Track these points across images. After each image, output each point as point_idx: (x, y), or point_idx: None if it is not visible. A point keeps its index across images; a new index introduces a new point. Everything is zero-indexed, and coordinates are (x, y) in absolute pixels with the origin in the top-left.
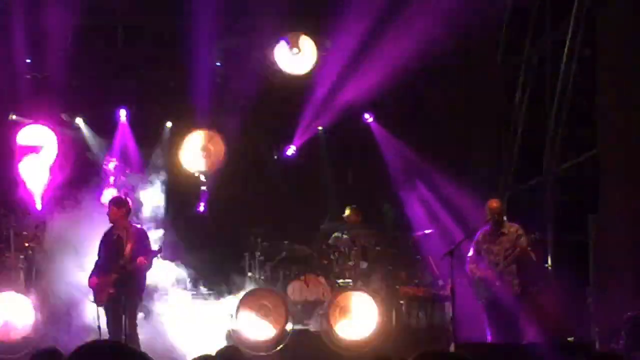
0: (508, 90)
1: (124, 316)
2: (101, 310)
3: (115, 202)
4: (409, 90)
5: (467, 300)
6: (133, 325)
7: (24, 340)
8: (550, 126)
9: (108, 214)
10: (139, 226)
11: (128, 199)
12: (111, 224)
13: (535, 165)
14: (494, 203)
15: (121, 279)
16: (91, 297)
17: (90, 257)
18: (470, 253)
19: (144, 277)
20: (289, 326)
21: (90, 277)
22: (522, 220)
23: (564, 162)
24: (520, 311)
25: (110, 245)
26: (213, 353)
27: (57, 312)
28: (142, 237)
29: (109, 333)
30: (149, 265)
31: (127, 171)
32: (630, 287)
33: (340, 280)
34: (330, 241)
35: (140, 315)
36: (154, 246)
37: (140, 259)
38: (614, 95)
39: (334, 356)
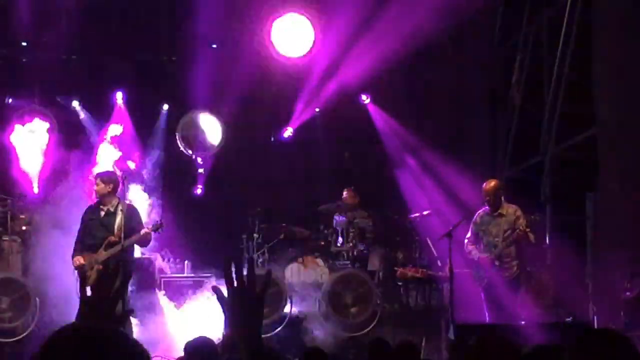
0: (505, 70)
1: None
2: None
3: (103, 177)
4: (405, 72)
5: (465, 281)
6: (125, 306)
7: (22, 325)
8: (547, 106)
9: (95, 190)
10: (128, 202)
11: (118, 173)
12: (97, 200)
13: (533, 145)
14: (490, 184)
15: (111, 257)
16: (76, 277)
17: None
18: (469, 234)
19: (133, 255)
20: (287, 308)
21: (74, 256)
22: (520, 201)
23: (562, 141)
24: (519, 292)
25: (99, 223)
26: (211, 336)
27: (55, 295)
28: (133, 213)
29: None
30: (147, 241)
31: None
32: (629, 267)
33: (338, 262)
34: (328, 223)
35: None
36: (153, 221)
37: (145, 230)
38: (611, 74)
39: (335, 338)
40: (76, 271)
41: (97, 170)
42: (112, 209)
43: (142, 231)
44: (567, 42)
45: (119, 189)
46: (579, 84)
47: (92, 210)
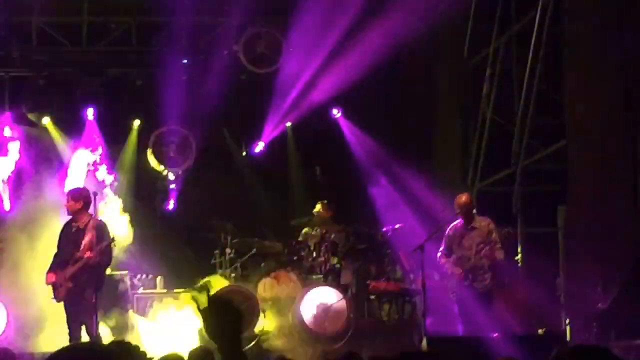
0: (475, 83)
1: (81, 314)
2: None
3: (73, 194)
4: (376, 86)
5: (438, 294)
6: (92, 324)
7: None
8: (517, 118)
9: (66, 207)
10: (99, 219)
11: (88, 191)
12: (70, 217)
13: (504, 157)
14: (462, 198)
15: (79, 273)
16: (51, 294)
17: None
18: (442, 248)
19: (103, 270)
20: (260, 324)
21: (48, 273)
22: (492, 213)
23: (533, 154)
24: (492, 304)
25: (68, 239)
26: (183, 352)
27: (31, 312)
28: (101, 229)
29: (70, 330)
30: (106, 258)
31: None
32: (601, 278)
33: (311, 276)
34: (300, 237)
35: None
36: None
37: (87, 254)
38: (580, 86)
39: (307, 352)
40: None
41: (68, 185)
42: (81, 226)
43: (86, 254)
44: (537, 55)
45: (90, 205)
46: (549, 96)
47: (66, 226)
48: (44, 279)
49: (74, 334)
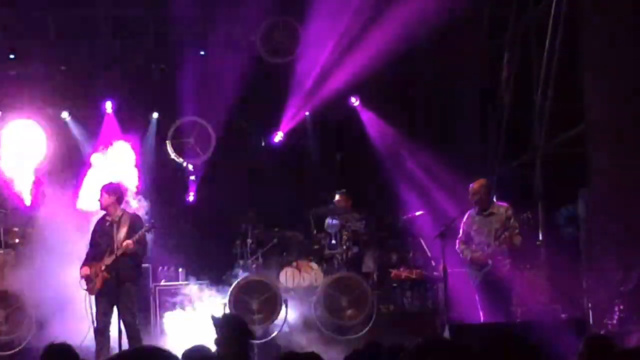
0: (494, 68)
1: (116, 305)
2: (92, 301)
3: (108, 189)
4: (394, 72)
5: (460, 281)
6: (133, 314)
7: (18, 338)
8: (537, 103)
9: (99, 201)
10: (132, 211)
11: (121, 186)
12: (103, 211)
13: (524, 142)
14: (476, 184)
15: (115, 265)
16: (84, 286)
17: (77, 249)
18: (460, 234)
19: (139, 261)
20: (282, 313)
21: (82, 267)
22: (512, 198)
23: (553, 138)
24: (513, 290)
25: (103, 232)
26: (207, 344)
27: (49, 307)
28: (136, 221)
29: (98, 322)
30: (141, 248)
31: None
32: (622, 261)
33: (332, 265)
34: (321, 226)
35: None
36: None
37: (127, 242)
38: (599, 68)
39: (329, 341)
40: (84, 281)
41: (88, 181)
42: (116, 219)
43: (125, 243)
44: (555, 39)
45: (123, 200)
46: (568, 81)
47: (99, 221)
48: (61, 273)
49: (99, 325)
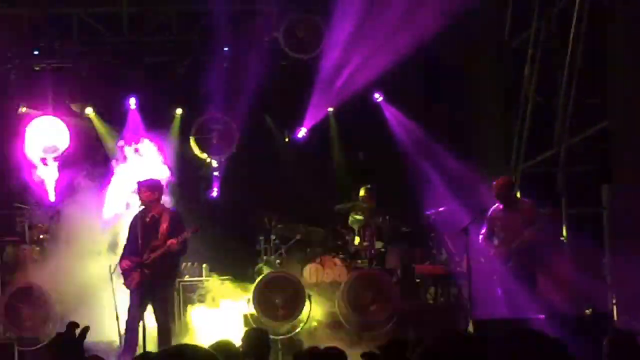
0: (517, 64)
1: (151, 302)
2: (119, 297)
3: (149, 185)
4: (417, 68)
5: (483, 276)
6: (166, 312)
7: (43, 334)
8: (560, 98)
9: (140, 197)
10: (172, 208)
11: (161, 182)
12: (143, 207)
13: (547, 138)
14: (500, 181)
15: (155, 262)
16: (121, 280)
17: (102, 245)
18: (483, 230)
19: (178, 260)
20: (306, 309)
21: (121, 260)
22: (535, 195)
23: (576, 134)
24: (536, 285)
25: (144, 228)
26: (231, 338)
27: (73, 302)
28: (177, 218)
29: (130, 317)
30: (183, 248)
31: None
32: None
33: (356, 261)
34: (344, 222)
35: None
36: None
37: (171, 241)
38: (623, 63)
39: (353, 337)
40: (121, 275)
41: (114, 185)
42: (157, 215)
43: (169, 241)
44: (579, 34)
45: (162, 196)
46: (592, 76)
47: (138, 216)
48: (86, 269)
49: (131, 320)
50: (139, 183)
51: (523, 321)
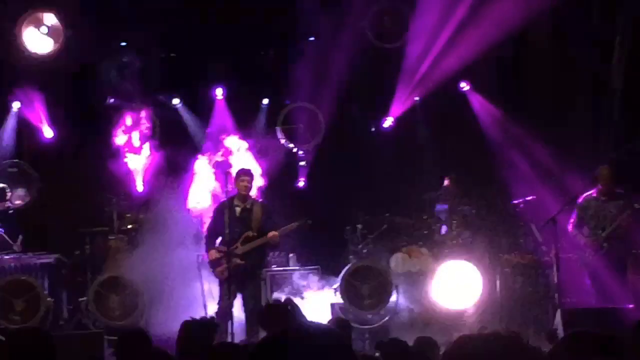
0: (605, 50)
1: (242, 291)
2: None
3: (249, 173)
4: (504, 57)
5: (571, 266)
6: (257, 302)
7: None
8: None
9: (245, 186)
10: (262, 199)
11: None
12: (230, 197)
13: (636, 127)
14: (603, 170)
15: (251, 252)
16: (209, 270)
17: (189, 234)
18: (573, 218)
19: (268, 253)
20: (392, 299)
21: (209, 250)
22: (625, 183)
23: None
24: (626, 275)
25: (234, 218)
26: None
27: (161, 292)
28: (270, 210)
29: (221, 306)
30: (278, 241)
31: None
32: None
33: (443, 250)
34: (431, 211)
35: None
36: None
37: (273, 233)
38: None
39: (439, 326)
40: (209, 265)
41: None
42: (248, 206)
43: (271, 233)
44: None
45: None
46: None
47: (226, 206)
48: (173, 258)
49: (222, 309)
50: (243, 171)
51: (612, 311)
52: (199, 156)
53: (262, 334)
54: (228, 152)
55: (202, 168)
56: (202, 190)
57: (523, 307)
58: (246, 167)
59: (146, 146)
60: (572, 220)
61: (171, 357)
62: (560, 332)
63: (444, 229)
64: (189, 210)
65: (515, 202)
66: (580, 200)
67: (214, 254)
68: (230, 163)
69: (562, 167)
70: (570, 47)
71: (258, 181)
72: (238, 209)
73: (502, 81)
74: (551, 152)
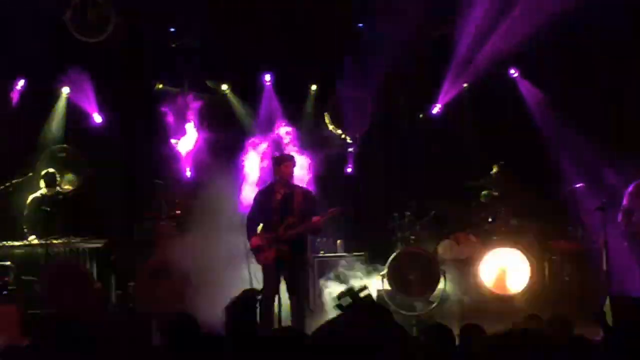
0: None
1: (286, 277)
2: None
3: (292, 158)
4: (555, 43)
5: (621, 253)
6: (302, 287)
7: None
8: None
9: (290, 171)
10: (303, 186)
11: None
12: (272, 182)
13: None
14: None
15: (293, 238)
16: (252, 258)
17: (237, 220)
18: (623, 205)
19: (307, 238)
20: (441, 284)
21: (251, 237)
22: None
23: None
24: None
25: (276, 203)
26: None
27: (209, 278)
28: (312, 196)
29: (266, 293)
30: (321, 228)
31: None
32: None
33: (491, 237)
34: (479, 199)
35: None
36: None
37: (317, 218)
38: None
39: (487, 313)
40: (252, 251)
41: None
42: (288, 191)
43: (315, 218)
44: None
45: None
46: None
47: (268, 192)
48: (221, 244)
49: (267, 296)
50: (276, 157)
51: None
52: (249, 150)
53: (309, 319)
54: (277, 141)
55: (252, 167)
56: (252, 175)
57: (572, 294)
58: (285, 152)
59: (195, 132)
60: (623, 206)
61: (220, 339)
62: (609, 320)
63: (492, 215)
64: (240, 200)
65: (564, 189)
66: (631, 186)
67: (257, 240)
68: (278, 152)
69: (612, 153)
70: (624, 35)
71: (303, 173)
72: (279, 195)
73: (554, 68)
74: (602, 139)
